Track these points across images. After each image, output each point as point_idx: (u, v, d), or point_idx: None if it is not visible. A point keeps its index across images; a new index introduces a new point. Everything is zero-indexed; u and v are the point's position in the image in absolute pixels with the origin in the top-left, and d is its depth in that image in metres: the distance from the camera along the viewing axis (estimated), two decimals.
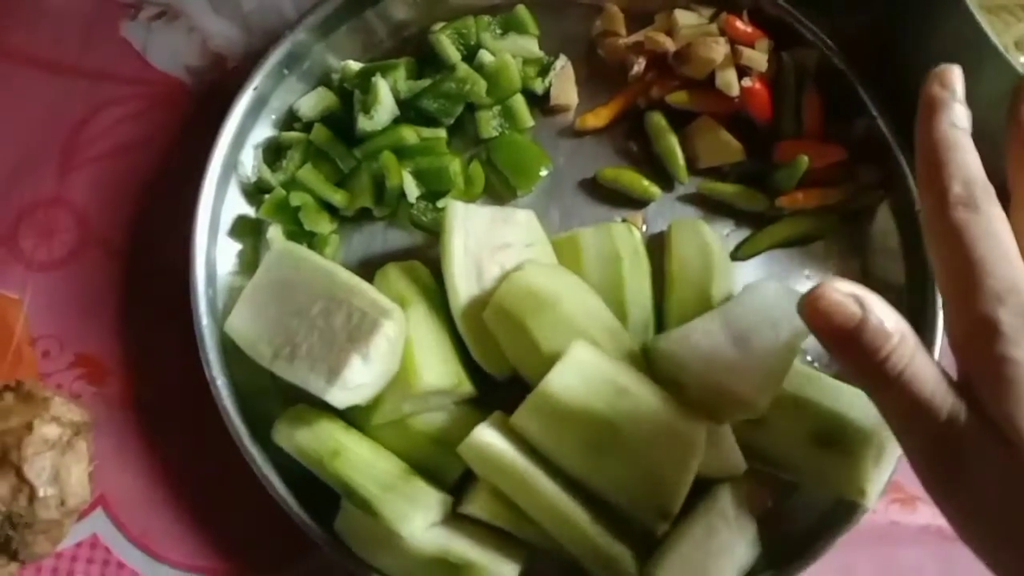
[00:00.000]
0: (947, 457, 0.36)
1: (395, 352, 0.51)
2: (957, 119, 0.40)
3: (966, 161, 0.39)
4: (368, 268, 0.57)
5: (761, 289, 0.57)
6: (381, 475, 0.51)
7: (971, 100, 0.53)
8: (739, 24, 0.61)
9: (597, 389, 0.49)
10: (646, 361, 0.53)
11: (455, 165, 0.59)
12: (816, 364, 0.59)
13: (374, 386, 0.51)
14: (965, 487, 0.36)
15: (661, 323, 0.58)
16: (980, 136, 0.44)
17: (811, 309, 0.37)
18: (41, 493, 0.50)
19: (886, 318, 0.37)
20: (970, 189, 0.38)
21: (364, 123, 0.58)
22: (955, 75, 0.41)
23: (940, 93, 0.40)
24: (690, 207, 0.62)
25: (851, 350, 0.37)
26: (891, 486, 0.58)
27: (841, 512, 0.54)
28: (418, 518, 0.49)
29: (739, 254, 0.61)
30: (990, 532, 0.36)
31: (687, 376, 0.51)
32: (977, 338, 0.36)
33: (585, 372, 0.49)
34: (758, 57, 0.60)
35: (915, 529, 0.58)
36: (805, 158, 0.59)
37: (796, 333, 0.55)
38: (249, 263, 0.59)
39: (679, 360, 0.51)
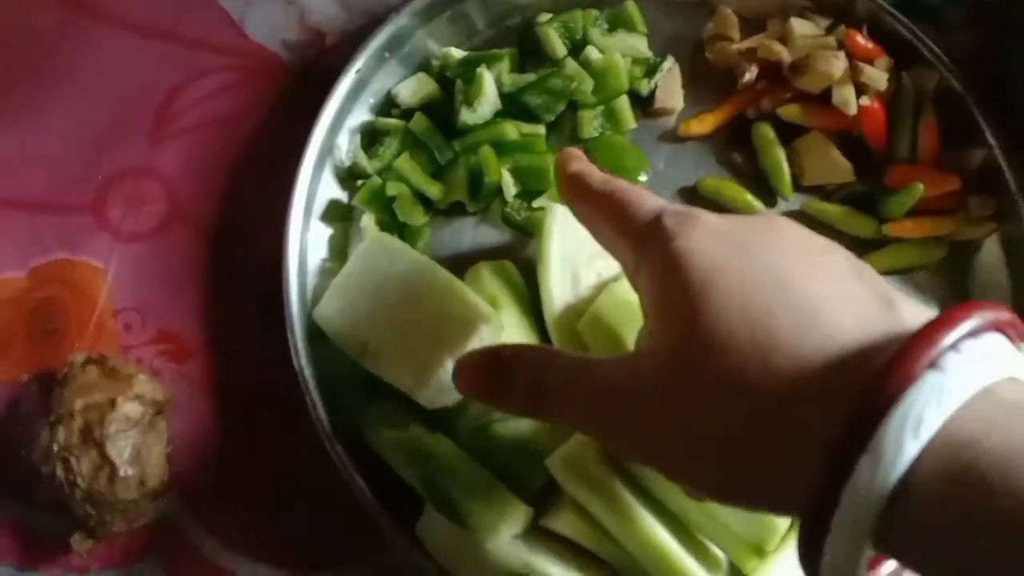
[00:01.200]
0: None
1: None
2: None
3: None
4: (457, 263, 0.55)
5: None
6: (467, 482, 0.49)
7: None
8: (860, 39, 0.58)
9: None
10: None
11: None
12: None
13: None
14: None
15: None
16: None
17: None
18: (122, 472, 0.49)
19: None
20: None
21: (467, 115, 0.56)
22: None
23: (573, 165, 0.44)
24: None
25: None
26: None
27: None
28: (504, 529, 0.48)
29: None
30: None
31: None
32: (647, 237, 0.38)
33: None
34: (878, 75, 0.58)
35: None
36: (921, 186, 0.57)
37: None
38: (339, 249, 0.57)
39: None
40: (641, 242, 0.38)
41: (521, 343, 0.49)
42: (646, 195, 0.40)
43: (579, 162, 0.45)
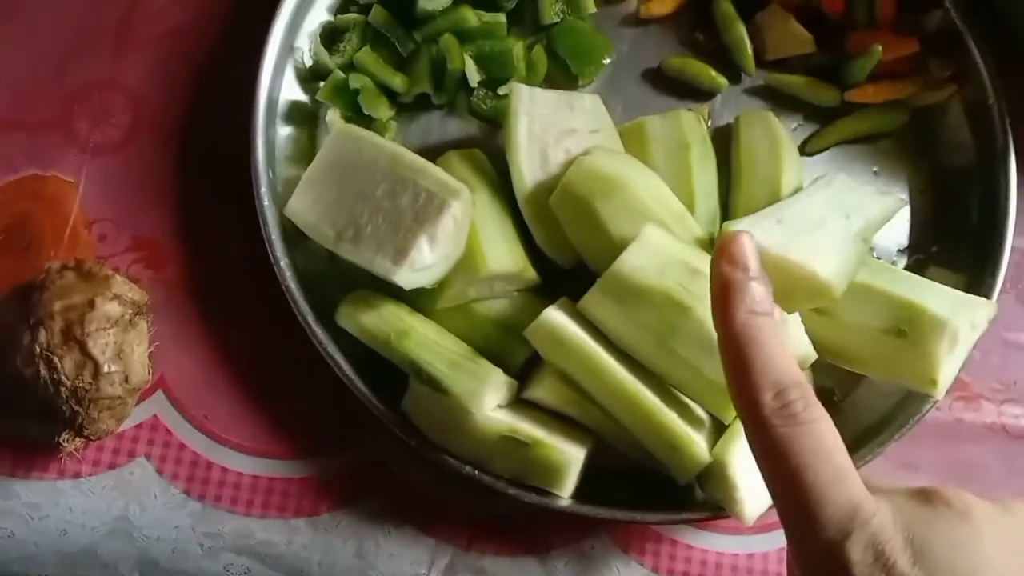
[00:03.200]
0: None
1: (461, 234, 0.50)
2: (754, 302, 0.36)
3: (771, 359, 0.35)
4: (426, 157, 0.55)
5: (832, 180, 0.56)
6: (449, 354, 0.50)
7: None
8: None
9: (670, 271, 0.48)
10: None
11: (518, 49, 0.57)
12: (882, 261, 0.58)
13: (440, 268, 0.50)
14: None
15: (727, 216, 0.57)
16: None
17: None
18: (105, 369, 0.49)
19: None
20: (783, 396, 0.34)
21: (425, 2, 0.56)
22: (744, 246, 0.37)
23: (731, 273, 0.36)
24: (757, 100, 0.61)
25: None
26: (956, 384, 0.57)
27: (908, 406, 0.54)
28: (488, 395, 0.49)
29: (807, 149, 0.60)
30: None
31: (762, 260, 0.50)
32: (826, 572, 0.33)
33: (658, 254, 0.48)
34: None
35: (980, 427, 0.57)
36: (879, 48, 0.57)
37: (868, 224, 0.53)
38: (305, 151, 0.57)
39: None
40: (814, 569, 0.33)
41: None
42: (840, 479, 0.33)
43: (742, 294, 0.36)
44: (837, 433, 0.34)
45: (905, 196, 0.59)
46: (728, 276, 0.36)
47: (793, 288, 0.50)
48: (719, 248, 0.37)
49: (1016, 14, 0.59)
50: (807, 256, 0.49)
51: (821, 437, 0.34)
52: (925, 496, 0.34)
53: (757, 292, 0.36)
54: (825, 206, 0.53)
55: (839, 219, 0.52)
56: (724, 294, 0.36)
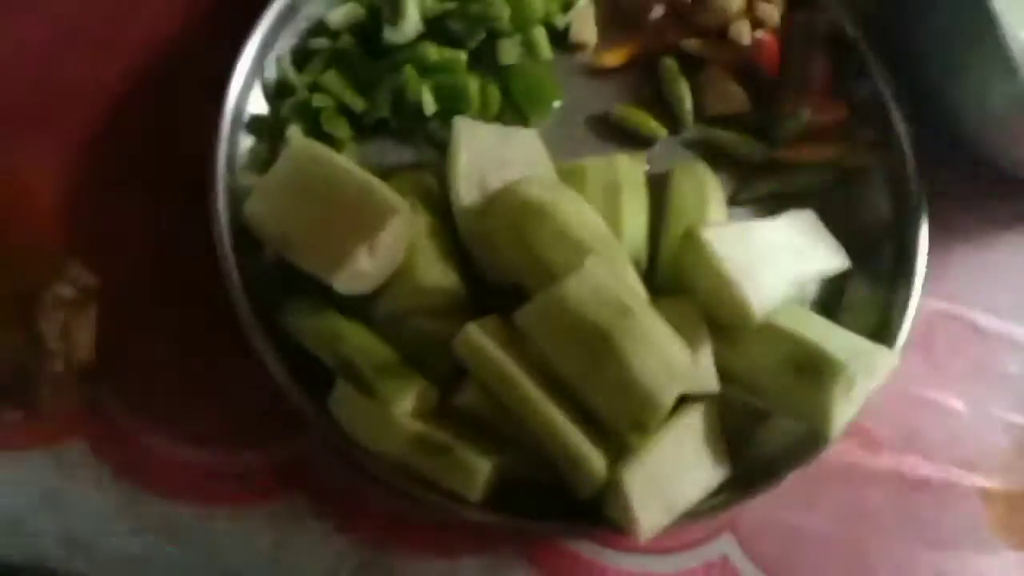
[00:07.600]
0: None
1: (399, 248, 0.54)
2: None
3: None
4: (379, 178, 0.59)
5: (804, 215, 0.60)
6: (377, 359, 0.53)
7: (970, 75, 0.56)
8: None
9: (605, 305, 0.51)
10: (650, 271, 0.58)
11: (473, 85, 0.61)
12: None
13: (377, 278, 0.54)
14: None
15: (655, 260, 0.60)
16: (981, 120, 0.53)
17: None
18: (50, 345, 0.52)
19: None
20: None
21: (389, 33, 0.60)
22: None
23: None
24: (693, 151, 0.65)
25: None
26: (858, 430, 0.61)
27: (808, 445, 0.57)
28: (409, 398, 0.51)
29: (736, 200, 0.64)
30: None
31: (711, 268, 0.54)
32: None
33: (598, 287, 0.51)
34: (771, 11, 0.63)
35: (879, 473, 0.61)
36: (806, 111, 0.62)
37: (809, 274, 0.58)
38: (264, 163, 0.60)
39: (716, 253, 0.54)
40: None
41: None
42: None
43: None
44: None
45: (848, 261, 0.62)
46: None
47: (721, 300, 0.54)
48: None
49: (936, 89, 0.63)
50: (750, 288, 0.53)
51: None
52: None
53: None
54: (788, 238, 0.58)
55: (792, 256, 0.57)
56: None
